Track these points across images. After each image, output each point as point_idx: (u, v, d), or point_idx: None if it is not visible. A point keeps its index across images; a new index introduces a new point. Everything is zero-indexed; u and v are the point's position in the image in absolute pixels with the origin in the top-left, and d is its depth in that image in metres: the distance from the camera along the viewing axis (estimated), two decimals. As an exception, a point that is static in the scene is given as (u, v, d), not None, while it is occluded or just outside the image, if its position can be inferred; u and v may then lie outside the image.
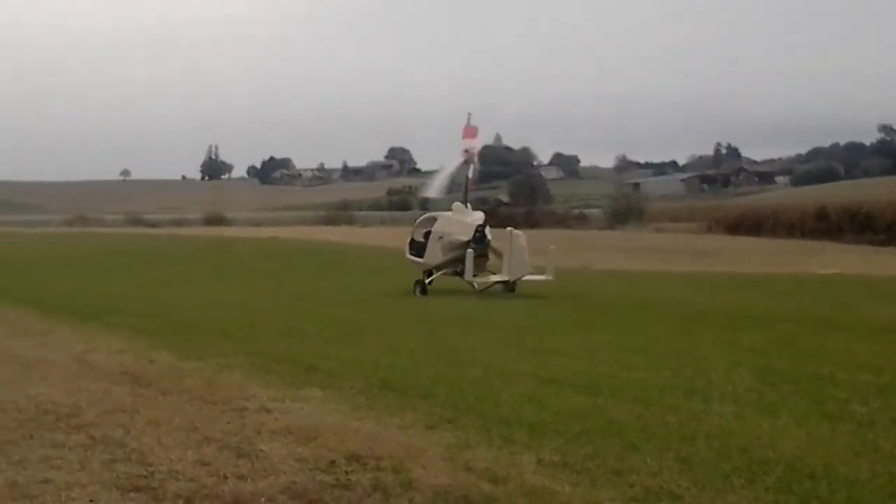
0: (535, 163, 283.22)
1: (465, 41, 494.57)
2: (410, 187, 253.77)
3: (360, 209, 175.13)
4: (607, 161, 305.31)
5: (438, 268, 32.10)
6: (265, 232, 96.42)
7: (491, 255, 32.17)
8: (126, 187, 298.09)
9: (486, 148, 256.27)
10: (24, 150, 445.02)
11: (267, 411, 12.68)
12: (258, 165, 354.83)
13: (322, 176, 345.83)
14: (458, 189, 35.04)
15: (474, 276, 31.07)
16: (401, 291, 32.32)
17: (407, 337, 20.28)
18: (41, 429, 11.80)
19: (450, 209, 33.25)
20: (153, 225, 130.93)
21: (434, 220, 32.76)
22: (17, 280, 37.98)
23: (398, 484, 9.47)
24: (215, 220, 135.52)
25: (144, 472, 9.96)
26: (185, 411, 12.73)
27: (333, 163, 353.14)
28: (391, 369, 15.95)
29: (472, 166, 34.16)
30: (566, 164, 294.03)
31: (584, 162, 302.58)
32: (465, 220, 31.90)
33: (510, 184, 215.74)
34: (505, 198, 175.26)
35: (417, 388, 14.18)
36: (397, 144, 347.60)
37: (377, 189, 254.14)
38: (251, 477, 9.81)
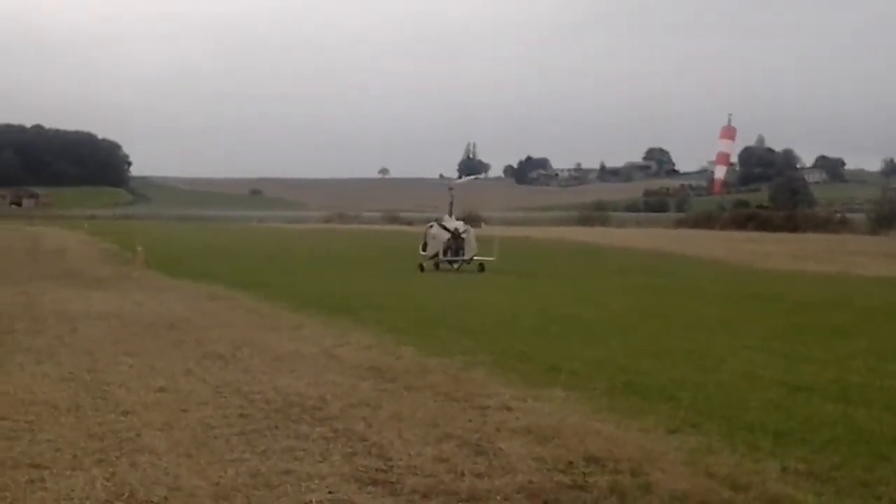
0: (797, 165, 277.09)
1: (727, 41, 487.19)
2: (668, 189, 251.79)
3: (615, 210, 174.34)
4: (874, 164, 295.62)
5: (434, 257, 46.87)
6: (519, 231, 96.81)
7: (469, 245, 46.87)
8: (384, 185, 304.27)
9: (747, 150, 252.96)
10: (292, 149, 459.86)
11: (508, 410, 12.64)
12: (515, 165, 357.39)
13: (578, 176, 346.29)
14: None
15: (453, 259, 46.43)
16: (649, 292, 32.01)
17: (653, 339, 19.99)
18: (286, 420, 12.05)
19: (443, 219, 48.17)
20: (409, 223, 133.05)
21: (433, 225, 48.28)
22: (275, 275, 39.04)
23: (636, 487, 9.29)
24: (470, 219, 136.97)
25: (383, 466, 10.04)
26: (428, 407, 12.81)
27: (590, 163, 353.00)
28: (635, 371, 15.75)
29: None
30: (830, 167, 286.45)
31: (850, 165, 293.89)
32: (448, 224, 47.18)
33: (771, 186, 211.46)
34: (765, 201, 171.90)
35: (661, 390, 13.96)
36: (656, 145, 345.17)
37: (634, 190, 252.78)
38: (488, 475, 9.77)
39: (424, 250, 47.59)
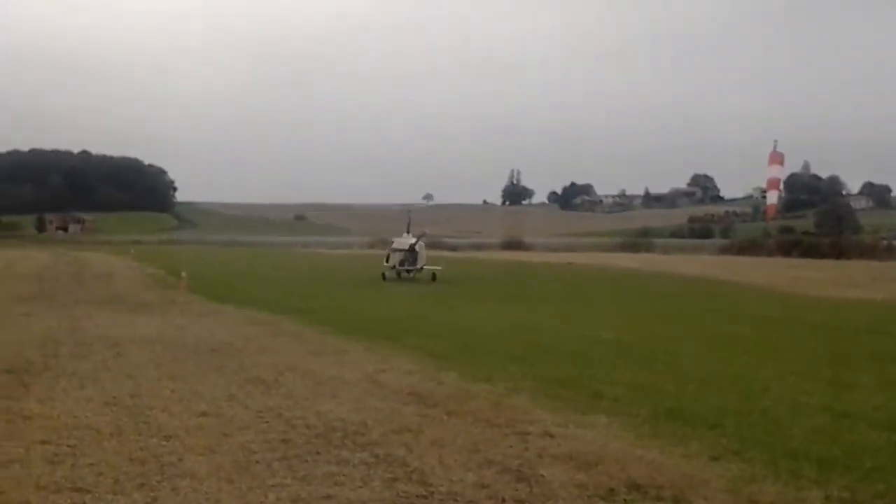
0: (843, 192, 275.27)
1: (771, 68, 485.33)
2: (713, 215, 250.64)
3: (659, 236, 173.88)
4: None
5: (394, 267, 56.83)
6: (562, 257, 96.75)
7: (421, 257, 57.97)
8: (429, 211, 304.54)
9: (792, 176, 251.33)
10: (337, 175, 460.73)
11: (550, 436, 12.60)
12: (559, 191, 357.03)
13: (623, 202, 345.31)
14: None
15: (409, 269, 56.98)
16: (693, 318, 31.84)
17: (698, 365, 19.86)
18: (328, 445, 12.05)
19: (401, 236, 59.40)
20: (453, 248, 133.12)
21: (393, 242, 59.64)
22: (318, 300, 39.00)
23: (678, 515, 9.27)
24: (514, 245, 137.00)
25: (424, 492, 10.03)
26: (469, 433, 12.78)
27: (635, 189, 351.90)
28: (679, 398, 15.66)
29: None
30: (877, 193, 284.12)
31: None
32: (405, 241, 57.90)
33: (816, 213, 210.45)
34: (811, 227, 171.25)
35: (705, 417, 13.86)
36: (701, 171, 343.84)
37: (679, 216, 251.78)
38: (529, 501, 9.77)
39: (388, 261, 57.91)
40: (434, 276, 56.38)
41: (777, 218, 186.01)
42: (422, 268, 57.62)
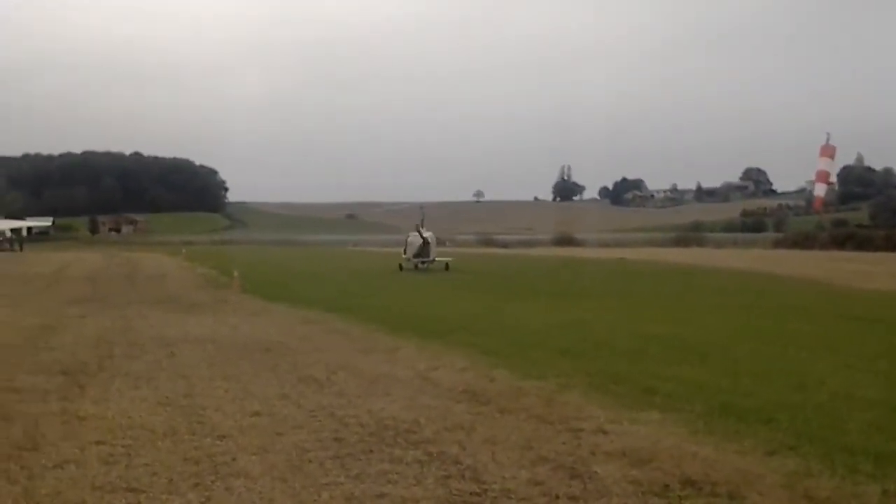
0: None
1: (823, 59, 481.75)
2: (766, 209, 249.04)
3: (712, 231, 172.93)
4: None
5: (411, 259, 63.40)
6: (614, 253, 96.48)
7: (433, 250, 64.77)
8: (479, 208, 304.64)
9: (845, 168, 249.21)
10: (386, 173, 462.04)
11: (603, 433, 12.55)
12: (610, 187, 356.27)
13: (674, 197, 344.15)
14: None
15: (423, 260, 63.41)
16: (746, 313, 31.58)
17: (751, 359, 19.69)
18: (381, 444, 12.07)
19: (417, 231, 65.02)
20: (504, 245, 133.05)
21: (409, 235, 65.96)
22: (368, 298, 39.01)
23: (733, 511, 9.20)
24: (565, 241, 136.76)
25: (477, 490, 10.02)
26: (522, 430, 12.76)
27: (687, 184, 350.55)
28: (732, 392, 15.53)
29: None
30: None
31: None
32: (421, 235, 63.67)
33: (870, 205, 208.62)
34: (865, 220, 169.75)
35: (759, 412, 13.73)
36: (753, 165, 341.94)
37: (731, 210, 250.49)
38: (583, 498, 9.73)
39: (405, 253, 65.16)
40: (447, 266, 63.04)
41: (828, 211, 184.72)
42: (434, 259, 64.35)
